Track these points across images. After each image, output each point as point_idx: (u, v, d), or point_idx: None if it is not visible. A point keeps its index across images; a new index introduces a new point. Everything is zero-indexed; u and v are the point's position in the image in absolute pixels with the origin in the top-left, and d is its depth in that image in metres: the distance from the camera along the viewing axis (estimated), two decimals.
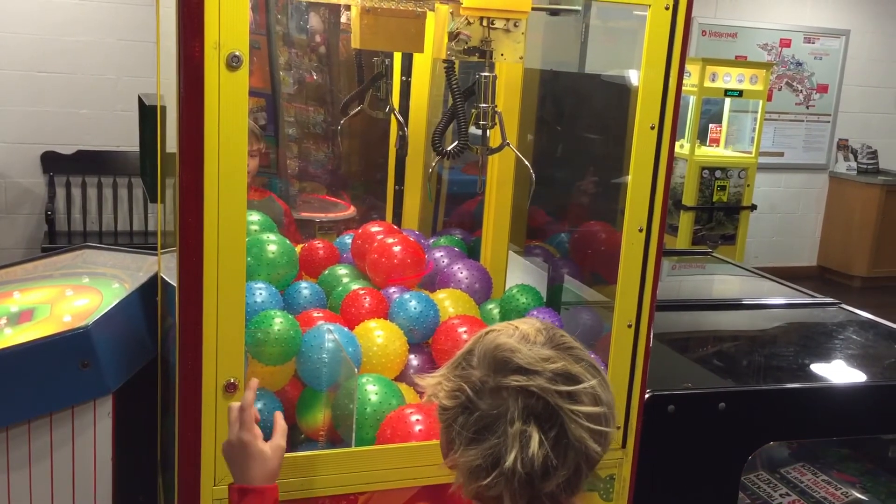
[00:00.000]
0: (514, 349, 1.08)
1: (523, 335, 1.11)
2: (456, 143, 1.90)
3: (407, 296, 2.04)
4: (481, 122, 1.93)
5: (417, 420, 1.70)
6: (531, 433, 1.04)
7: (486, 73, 1.89)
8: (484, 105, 1.90)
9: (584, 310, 2.26)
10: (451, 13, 1.86)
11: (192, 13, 1.38)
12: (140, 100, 2.29)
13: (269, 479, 1.41)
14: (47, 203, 5.51)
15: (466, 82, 2.00)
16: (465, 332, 1.92)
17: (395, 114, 2.36)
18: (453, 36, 1.85)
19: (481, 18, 1.84)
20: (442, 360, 1.92)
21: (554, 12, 2.17)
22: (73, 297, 2.27)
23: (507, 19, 1.85)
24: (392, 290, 2.12)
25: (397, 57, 2.62)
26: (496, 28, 1.85)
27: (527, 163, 2.01)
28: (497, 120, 1.92)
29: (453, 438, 1.11)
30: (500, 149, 1.98)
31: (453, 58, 1.87)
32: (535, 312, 2.08)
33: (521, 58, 1.95)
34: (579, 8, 2.26)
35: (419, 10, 2.06)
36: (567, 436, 1.06)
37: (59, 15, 5.41)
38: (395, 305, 2.03)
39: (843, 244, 7.90)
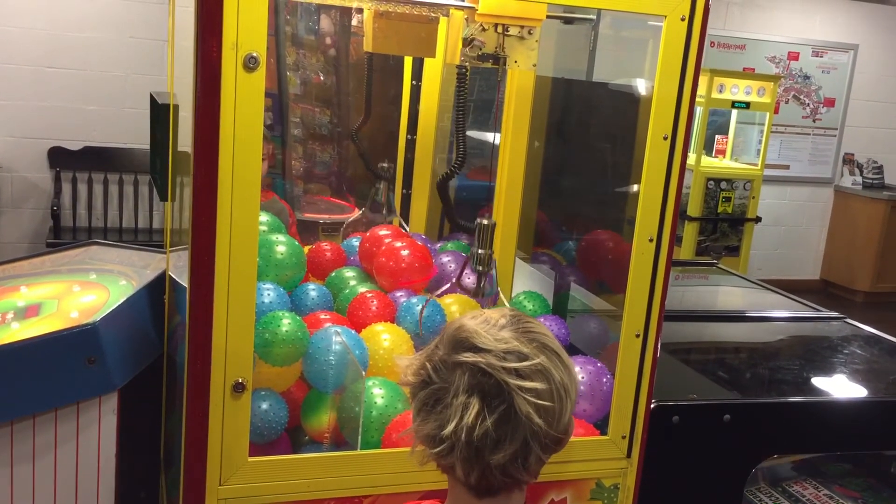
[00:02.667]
0: (472, 330, 1.15)
1: (486, 319, 1.17)
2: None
3: (414, 300, 2.04)
4: (477, 267, 2.01)
5: None
6: (472, 405, 1.10)
7: (486, 222, 1.97)
8: (481, 251, 1.98)
9: (591, 318, 2.26)
10: (466, 19, 1.87)
11: (211, 13, 1.38)
12: (152, 97, 2.29)
13: None
14: (53, 198, 5.51)
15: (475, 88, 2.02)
16: None
17: (401, 223, 2.46)
18: (468, 42, 1.86)
19: (496, 25, 1.84)
20: None
21: (568, 20, 2.18)
22: (81, 293, 2.27)
23: (522, 26, 1.85)
24: (399, 293, 2.12)
25: (408, 61, 2.63)
26: (510, 35, 1.86)
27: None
28: (492, 266, 2.00)
29: (413, 411, 1.19)
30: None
31: (467, 63, 1.87)
32: (541, 320, 2.08)
33: (533, 65, 1.95)
34: (593, 17, 2.27)
35: (433, 15, 2.07)
36: (514, 411, 1.11)
37: (69, 11, 5.42)
38: (403, 309, 2.03)
39: (846, 259, 7.89)
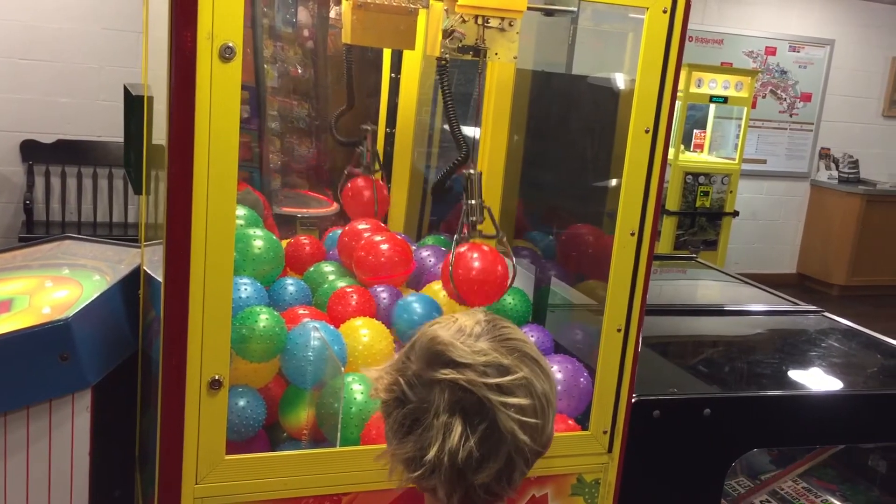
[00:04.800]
0: (447, 343, 1.09)
1: (460, 328, 1.12)
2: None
3: (411, 298, 2.01)
4: (471, 218, 1.95)
5: None
6: (454, 425, 1.05)
7: (472, 171, 1.92)
8: (473, 202, 1.93)
9: (571, 312, 2.25)
10: (446, 10, 1.84)
11: (185, 2, 1.35)
12: (126, 90, 2.25)
13: None
14: (26, 192, 5.43)
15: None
16: None
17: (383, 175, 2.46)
18: (448, 33, 1.83)
19: (476, 17, 1.82)
20: None
21: (549, 13, 2.16)
22: (53, 289, 2.23)
23: (503, 18, 1.83)
24: (380, 288, 2.09)
25: (387, 53, 2.60)
26: (491, 27, 1.84)
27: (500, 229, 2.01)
28: (488, 214, 1.95)
29: (388, 431, 1.13)
30: (494, 237, 1.99)
31: (447, 55, 1.85)
32: (525, 330, 2.06)
33: (514, 57, 1.93)
34: (575, 9, 2.25)
35: (412, 6, 2.04)
36: (497, 428, 1.06)
37: (42, 2, 5.34)
38: (399, 308, 2.00)
39: (822, 253, 7.95)
